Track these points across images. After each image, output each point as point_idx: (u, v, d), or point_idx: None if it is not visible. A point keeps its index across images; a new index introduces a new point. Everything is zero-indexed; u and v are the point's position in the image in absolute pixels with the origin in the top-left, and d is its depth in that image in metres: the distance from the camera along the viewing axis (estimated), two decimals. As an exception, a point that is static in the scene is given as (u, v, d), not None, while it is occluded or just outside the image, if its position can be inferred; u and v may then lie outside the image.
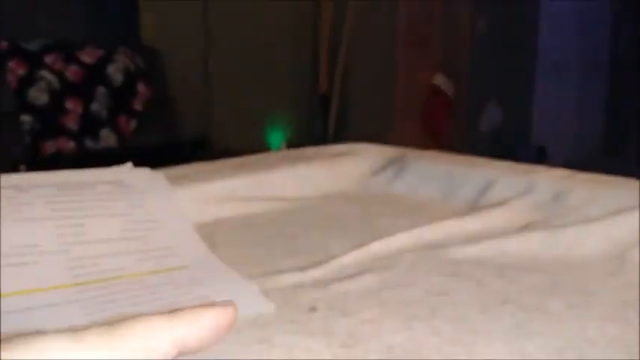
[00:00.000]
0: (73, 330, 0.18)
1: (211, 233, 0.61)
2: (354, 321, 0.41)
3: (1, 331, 0.40)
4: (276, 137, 2.37)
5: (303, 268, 0.50)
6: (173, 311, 0.19)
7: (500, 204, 0.68)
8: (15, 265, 0.48)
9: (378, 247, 0.54)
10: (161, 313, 0.19)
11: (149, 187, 0.64)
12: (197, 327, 0.19)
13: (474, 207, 0.70)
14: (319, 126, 2.46)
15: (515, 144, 2.53)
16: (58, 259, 0.51)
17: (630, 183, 0.75)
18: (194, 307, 0.20)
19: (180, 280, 0.49)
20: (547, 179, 0.74)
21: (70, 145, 2.19)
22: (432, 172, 0.79)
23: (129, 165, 0.68)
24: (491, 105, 2.63)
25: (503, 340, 0.40)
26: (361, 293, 0.46)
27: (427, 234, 0.58)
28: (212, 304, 0.20)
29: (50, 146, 2.16)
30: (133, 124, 2.32)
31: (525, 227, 0.63)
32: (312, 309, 0.43)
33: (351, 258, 0.52)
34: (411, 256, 0.54)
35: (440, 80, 2.50)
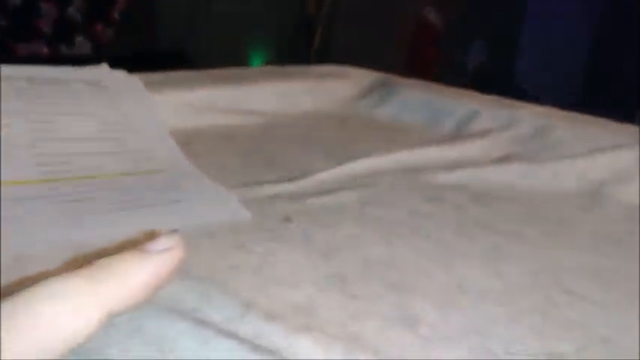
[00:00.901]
0: None
1: (188, 141, 0.59)
2: (332, 233, 0.41)
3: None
4: (257, 57, 2.31)
5: (280, 181, 0.49)
6: (98, 267, 0.17)
7: (482, 135, 0.68)
8: (-17, 156, 0.46)
9: (358, 166, 0.53)
10: (84, 271, 0.17)
11: (125, 89, 0.62)
12: (126, 287, 0.17)
13: (457, 136, 0.69)
14: (303, 49, 2.40)
15: (497, 83, 2.52)
16: (28, 154, 0.49)
17: (609, 124, 0.75)
18: (125, 259, 0.17)
19: (156, 183, 0.48)
20: (530, 114, 0.74)
21: (44, 49, 2.11)
22: (417, 100, 0.78)
23: (104, 66, 0.65)
24: (476, 42, 2.60)
25: (479, 260, 0.40)
26: (339, 208, 0.45)
27: (408, 158, 0.58)
28: (146, 254, 0.17)
29: (23, 49, 2.08)
30: (110, 32, 2.24)
31: (505, 158, 0.62)
32: (287, 219, 0.42)
33: (330, 174, 0.51)
34: (391, 177, 0.53)
35: (429, 12, 2.46)
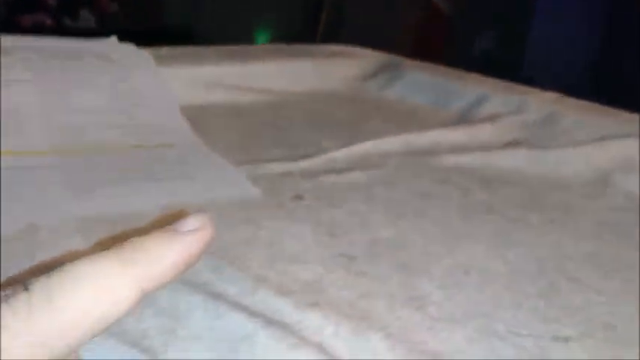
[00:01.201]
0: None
1: (197, 117, 0.59)
2: (340, 212, 0.41)
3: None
4: (262, 35, 2.30)
5: (291, 159, 0.50)
6: (129, 248, 0.17)
7: (490, 119, 0.68)
8: (-6, 125, 0.46)
9: (368, 147, 0.53)
10: (115, 251, 0.17)
11: (135, 63, 0.62)
12: (156, 267, 0.17)
13: (465, 119, 0.69)
14: (308, 28, 2.39)
15: (505, 71, 2.51)
16: (40, 124, 0.49)
17: (617, 113, 0.75)
18: (156, 239, 0.17)
19: (165, 157, 0.48)
20: (539, 101, 0.74)
21: (48, 21, 2.09)
22: (426, 82, 0.78)
23: (114, 39, 0.65)
24: (485, 30, 2.59)
25: (485, 245, 0.40)
26: (349, 187, 0.45)
27: (417, 140, 0.58)
28: (176, 234, 0.17)
29: (27, 20, 2.06)
30: (114, 6, 2.22)
31: (513, 144, 0.62)
32: (299, 197, 0.42)
33: (341, 154, 0.51)
34: (399, 158, 0.53)
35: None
